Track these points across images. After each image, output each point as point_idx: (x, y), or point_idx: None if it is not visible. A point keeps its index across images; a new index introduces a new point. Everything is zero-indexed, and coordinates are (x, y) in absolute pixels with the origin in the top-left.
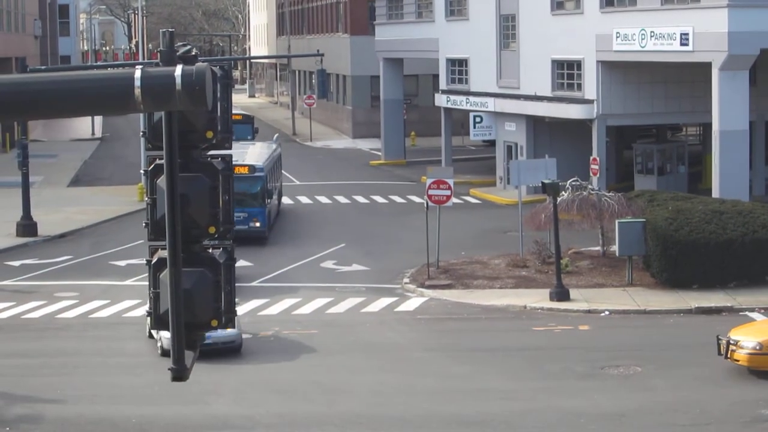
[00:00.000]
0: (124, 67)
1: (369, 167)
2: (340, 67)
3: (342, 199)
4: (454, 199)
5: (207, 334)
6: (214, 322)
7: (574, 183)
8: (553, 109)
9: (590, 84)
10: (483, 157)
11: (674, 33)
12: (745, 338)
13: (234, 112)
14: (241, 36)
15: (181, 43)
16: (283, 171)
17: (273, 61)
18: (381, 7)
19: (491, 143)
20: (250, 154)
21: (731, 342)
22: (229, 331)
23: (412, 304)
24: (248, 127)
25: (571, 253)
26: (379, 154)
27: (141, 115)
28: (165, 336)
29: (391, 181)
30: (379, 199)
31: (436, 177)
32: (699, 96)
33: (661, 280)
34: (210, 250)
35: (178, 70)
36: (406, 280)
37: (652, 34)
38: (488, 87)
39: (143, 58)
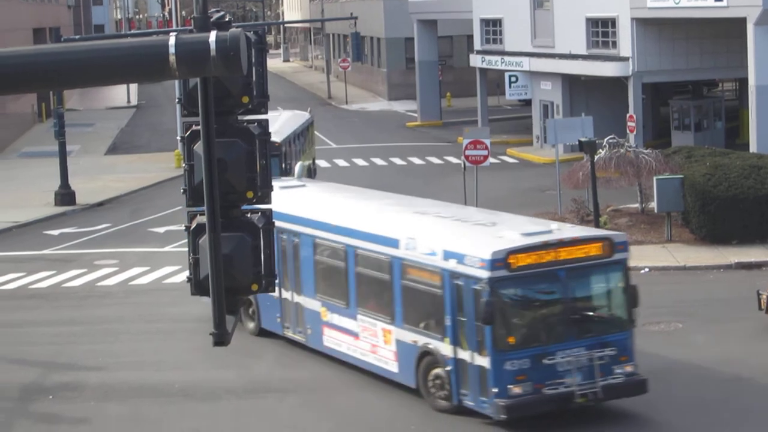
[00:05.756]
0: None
1: (405, 129)
2: (375, 30)
3: (379, 162)
4: (491, 159)
5: None
6: (255, 287)
7: (611, 140)
8: (589, 67)
9: (625, 41)
10: (519, 117)
11: None
12: None
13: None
14: (274, 1)
15: (214, 10)
16: (319, 134)
17: (307, 25)
18: None
19: (527, 102)
20: None
21: None
22: None
23: None
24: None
25: (609, 210)
26: (415, 115)
27: (176, 81)
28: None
29: (428, 142)
30: (416, 160)
31: (473, 137)
32: (734, 51)
33: (701, 235)
34: (248, 215)
35: (212, 36)
36: None
37: None
38: (523, 46)
39: (177, 26)
